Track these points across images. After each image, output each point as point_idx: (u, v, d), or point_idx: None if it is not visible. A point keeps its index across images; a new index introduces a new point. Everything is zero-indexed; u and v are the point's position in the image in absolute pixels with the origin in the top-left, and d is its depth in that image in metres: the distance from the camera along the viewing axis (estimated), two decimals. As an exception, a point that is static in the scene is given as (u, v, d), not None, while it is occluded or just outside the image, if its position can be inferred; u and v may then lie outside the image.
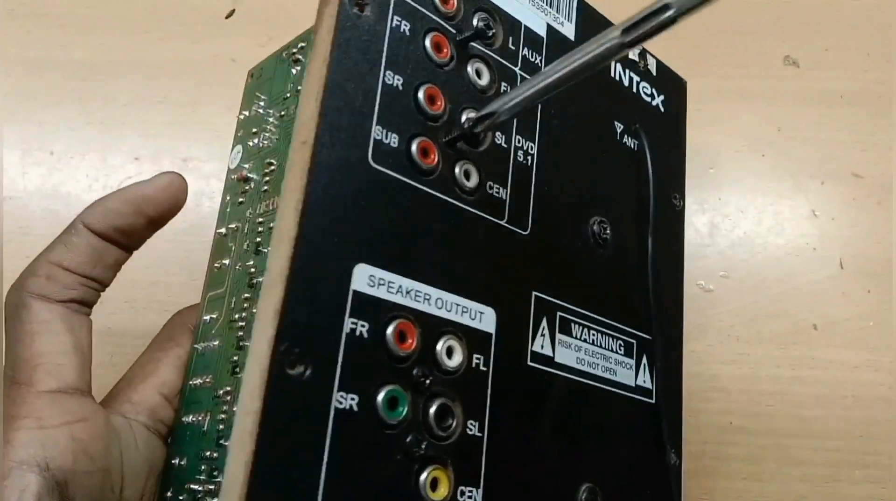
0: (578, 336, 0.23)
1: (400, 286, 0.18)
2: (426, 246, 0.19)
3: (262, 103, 0.25)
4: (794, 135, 0.33)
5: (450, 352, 0.19)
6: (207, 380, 0.22)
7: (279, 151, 0.23)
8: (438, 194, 0.20)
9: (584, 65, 0.18)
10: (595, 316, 0.23)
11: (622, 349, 0.24)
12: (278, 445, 0.15)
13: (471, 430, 0.19)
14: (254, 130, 0.24)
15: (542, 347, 0.22)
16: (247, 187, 0.24)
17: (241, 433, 0.15)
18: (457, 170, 0.20)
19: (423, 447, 0.18)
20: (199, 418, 0.22)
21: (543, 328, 0.22)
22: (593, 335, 0.23)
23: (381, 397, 0.17)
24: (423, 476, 0.18)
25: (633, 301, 0.25)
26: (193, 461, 0.21)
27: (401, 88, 0.19)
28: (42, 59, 0.36)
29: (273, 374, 0.15)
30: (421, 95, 0.20)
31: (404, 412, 0.18)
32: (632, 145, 0.26)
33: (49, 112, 0.35)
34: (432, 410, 0.18)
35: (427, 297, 0.19)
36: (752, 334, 0.31)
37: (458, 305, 0.20)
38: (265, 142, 0.24)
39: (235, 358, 0.21)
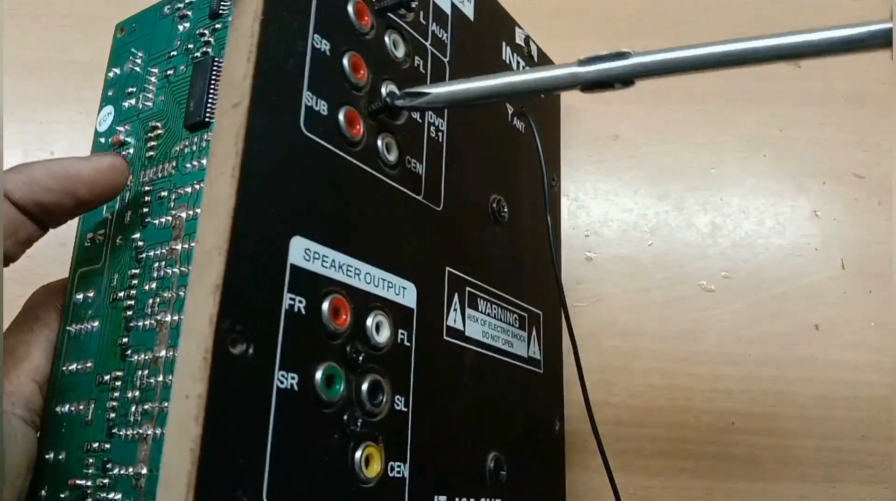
0: (483, 310, 0.23)
1: (333, 260, 0.18)
2: (354, 220, 0.19)
3: (138, 61, 0.23)
4: (795, 135, 0.33)
5: (378, 328, 0.19)
6: (87, 365, 0.21)
7: (165, 114, 0.22)
8: (364, 167, 0.19)
9: (534, 88, 0.19)
10: (494, 291, 0.24)
11: (517, 322, 0.25)
12: (224, 429, 0.14)
13: (398, 405, 0.19)
14: (129, 89, 0.23)
15: (455, 321, 0.22)
16: (124, 153, 0.22)
17: (184, 419, 0.14)
18: (379, 142, 0.20)
19: (359, 424, 0.18)
20: (79, 407, 0.21)
21: (456, 303, 0.22)
22: (494, 309, 0.24)
23: (319, 375, 0.17)
24: (357, 454, 0.17)
25: (524, 276, 0.26)
26: (76, 454, 0.20)
27: (328, 53, 0.19)
28: (42, 59, 0.36)
29: (217, 354, 0.14)
30: (346, 62, 0.19)
31: (340, 390, 0.17)
32: (519, 127, 0.27)
33: (49, 112, 0.35)
34: (364, 387, 0.18)
35: (357, 271, 0.18)
36: (754, 334, 0.30)
37: (384, 280, 0.19)
38: (145, 103, 0.23)
39: (125, 340, 0.20)
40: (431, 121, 0.22)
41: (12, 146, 0.34)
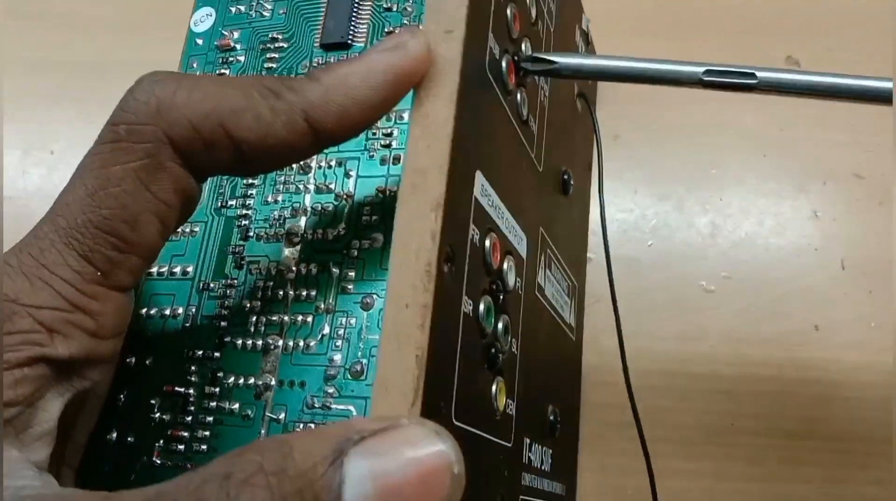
0: (553, 273, 0.24)
1: (493, 201, 0.18)
2: (503, 166, 0.19)
3: None
4: (795, 135, 0.33)
5: (510, 272, 0.19)
6: (187, 270, 0.21)
7: (289, 28, 0.22)
8: (511, 116, 0.19)
9: (657, 76, 0.19)
10: (559, 256, 0.25)
11: (567, 289, 0.26)
12: (440, 341, 0.15)
13: (513, 348, 0.19)
14: None
15: (542, 279, 0.22)
16: (230, 58, 0.22)
17: (406, 326, 0.14)
18: (519, 96, 0.20)
19: (499, 359, 0.18)
20: (174, 312, 0.21)
21: (541, 262, 0.22)
22: (557, 272, 0.24)
23: (482, 306, 0.17)
24: (493, 387, 0.18)
25: (574, 247, 0.27)
26: (170, 360, 0.20)
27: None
28: (42, 60, 0.36)
29: (438, 268, 0.15)
30: (510, 11, 0.19)
31: (493, 324, 0.18)
32: (579, 107, 0.28)
33: (49, 112, 0.35)
34: (500, 325, 0.18)
35: (503, 215, 0.19)
36: (754, 334, 0.30)
37: (514, 227, 0.19)
38: (260, 12, 0.22)
39: (239, 249, 0.20)
40: (542, 86, 0.22)
41: (12, 146, 0.34)
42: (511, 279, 0.19)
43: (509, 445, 0.19)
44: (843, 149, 0.33)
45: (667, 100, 0.34)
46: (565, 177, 0.25)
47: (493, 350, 0.18)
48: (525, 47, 0.20)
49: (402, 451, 0.13)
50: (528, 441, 0.21)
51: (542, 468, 0.22)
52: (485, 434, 0.17)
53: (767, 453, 0.29)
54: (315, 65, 0.22)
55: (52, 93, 0.35)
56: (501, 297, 0.18)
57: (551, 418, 0.23)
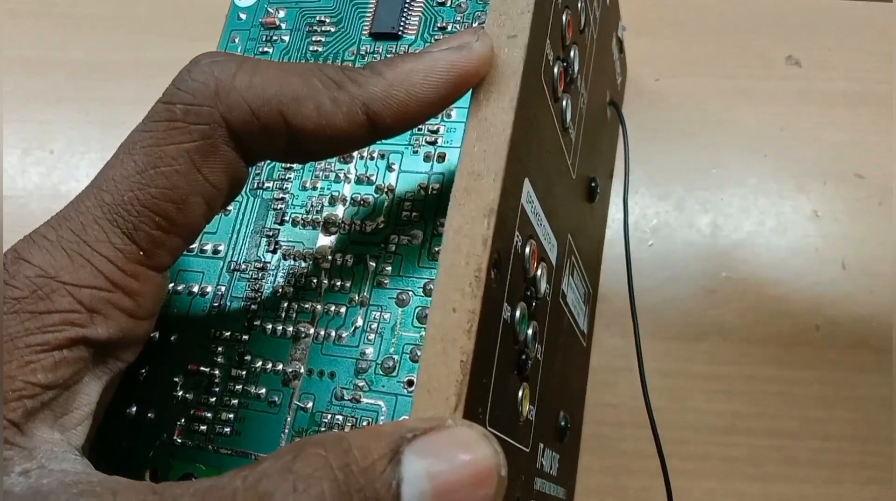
0: (575, 280, 0.24)
1: (536, 208, 0.18)
2: (546, 172, 0.19)
3: None
4: (796, 135, 0.33)
5: (542, 279, 0.19)
6: (218, 247, 0.21)
7: (338, 11, 0.22)
8: (556, 121, 0.19)
9: None
10: (581, 263, 0.24)
11: (584, 295, 0.26)
12: (484, 348, 0.15)
13: (538, 354, 0.19)
14: None
15: (565, 286, 0.22)
16: (274, 37, 0.22)
17: (452, 330, 0.14)
18: (564, 102, 0.20)
19: (528, 365, 0.18)
20: (203, 290, 0.20)
21: (566, 269, 0.22)
22: (578, 279, 0.24)
23: (518, 313, 0.17)
24: (520, 393, 0.18)
25: (592, 254, 0.27)
26: (197, 339, 0.20)
27: (560, 6, 0.18)
28: (42, 59, 0.36)
29: (489, 273, 0.14)
30: (565, 17, 0.19)
31: (525, 330, 0.17)
32: (608, 114, 0.27)
33: (49, 112, 0.35)
34: (529, 331, 0.18)
35: (541, 222, 0.18)
36: (755, 334, 0.30)
37: (549, 234, 0.19)
38: None
39: (274, 233, 0.20)
40: (582, 92, 0.22)
41: (12, 146, 0.34)
42: (542, 286, 0.19)
43: (527, 450, 0.19)
44: (843, 149, 0.33)
45: (667, 99, 0.34)
46: (593, 184, 0.25)
47: (523, 357, 0.18)
48: (573, 54, 0.20)
49: (457, 453, 0.13)
50: (542, 446, 0.20)
51: (551, 472, 0.22)
52: (509, 440, 0.17)
53: (767, 453, 0.29)
54: (363, 53, 0.22)
55: (52, 93, 0.35)
56: (534, 304, 0.18)
57: (562, 423, 0.23)
